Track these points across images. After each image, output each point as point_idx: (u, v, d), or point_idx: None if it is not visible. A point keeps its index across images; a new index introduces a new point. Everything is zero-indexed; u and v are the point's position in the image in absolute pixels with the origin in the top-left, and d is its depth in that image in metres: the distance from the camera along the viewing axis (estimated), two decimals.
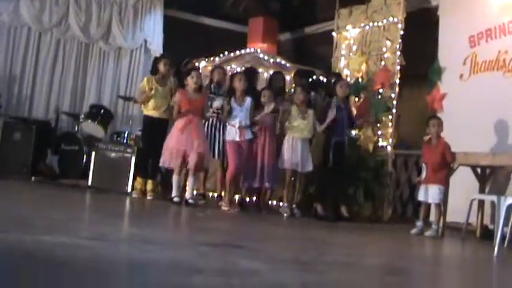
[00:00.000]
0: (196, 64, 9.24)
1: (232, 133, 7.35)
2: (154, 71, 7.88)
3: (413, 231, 6.68)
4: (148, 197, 7.54)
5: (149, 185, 7.67)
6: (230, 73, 8.71)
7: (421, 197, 6.83)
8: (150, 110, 7.68)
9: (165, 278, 2.70)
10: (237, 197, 7.72)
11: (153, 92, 7.59)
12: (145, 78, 7.92)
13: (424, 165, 6.98)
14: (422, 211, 6.85)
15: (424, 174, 6.84)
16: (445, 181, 6.68)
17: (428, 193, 6.71)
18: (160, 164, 7.25)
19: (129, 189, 7.79)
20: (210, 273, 2.93)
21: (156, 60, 8.02)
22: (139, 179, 7.70)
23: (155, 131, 7.62)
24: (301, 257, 4.07)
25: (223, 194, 7.76)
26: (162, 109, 7.65)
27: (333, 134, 7.56)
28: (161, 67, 7.77)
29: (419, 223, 6.74)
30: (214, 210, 7.13)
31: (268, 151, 7.45)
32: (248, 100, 7.43)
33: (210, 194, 8.40)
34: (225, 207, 7.24)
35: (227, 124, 7.42)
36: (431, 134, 6.85)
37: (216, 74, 7.93)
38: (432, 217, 6.87)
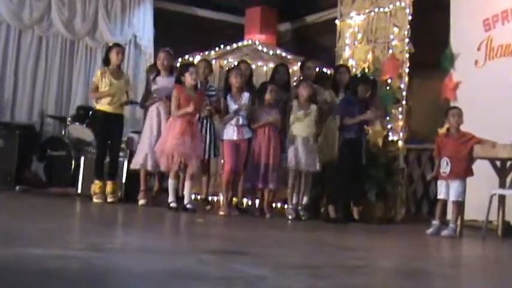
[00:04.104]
0: (191, 59, 9.24)
1: (230, 132, 7.35)
2: (106, 61, 7.74)
3: (429, 231, 6.67)
4: (109, 200, 7.49)
5: (109, 186, 7.59)
6: (227, 68, 8.73)
7: (441, 194, 6.77)
8: (104, 104, 7.62)
9: None
10: (234, 200, 7.75)
11: (107, 87, 7.54)
12: (98, 71, 7.88)
13: (437, 159, 6.93)
14: (438, 209, 6.84)
15: (443, 169, 6.73)
16: (468, 174, 6.65)
17: (450, 190, 6.67)
18: (162, 168, 7.29)
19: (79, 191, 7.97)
20: (213, 281, 2.94)
21: (108, 49, 7.87)
22: (97, 182, 7.58)
23: (111, 127, 7.66)
24: (309, 261, 4.08)
25: (210, 198, 7.99)
26: (117, 104, 7.63)
27: (343, 131, 7.57)
28: (113, 57, 7.67)
29: (435, 222, 6.73)
30: (215, 216, 7.13)
31: (272, 151, 7.44)
32: (246, 96, 7.42)
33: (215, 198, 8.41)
34: (222, 212, 7.23)
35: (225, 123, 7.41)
36: (451, 125, 6.79)
37: (200, 69, 7.92)
38: (449, 215, 6.85)
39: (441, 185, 6.79)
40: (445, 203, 6.82)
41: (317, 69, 8.75)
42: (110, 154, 7.71)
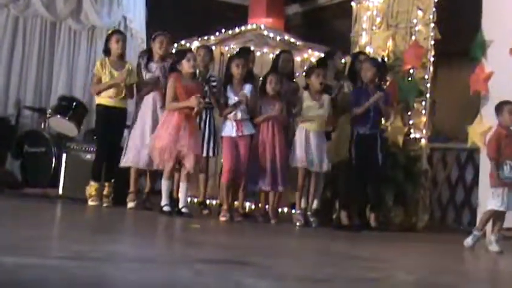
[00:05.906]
0: (188, 45, 9.25)
1: (229, 127, 7.36)
2: (107, 51, 7.76)
3: (469, 242, 6.43)
4: (105, 204, 7.49)
5: (106, 189, 7.60)
6: (228, 55, 8.73)
7: (499, 205, 6.32)
8: (104, 97, 7.63)
9: None
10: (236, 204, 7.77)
11: (107, 78, 7.56)
12: (97, 62, 7.88)
13: (494, 162, 6.60)
14: (484, 219, 6.51)
15: (505, 175, 6.45)
16: None
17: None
18: (155, 167, 7.31)
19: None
20: None
21: (107, 38, 7.90)
22: (93, 184, 7.56)
23: (112, 124, 7.67)
24: (318, 273, 4.08)
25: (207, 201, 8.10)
26: (119, 97, 7.64)
27: (356, 126, 7.56)
28: (113, 45, 7.69)
29: (477, 233, 6.43)
30: (214, 221, 7.13)
31: (277, 148, 7.44)
32: (247, 88, 7.41)
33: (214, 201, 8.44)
34: (223, 218, 7.23)
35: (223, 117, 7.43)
36: (506, 123, 6.58)
37: (199, 56, 7.92)
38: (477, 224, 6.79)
39: (502, 193, 6.36)
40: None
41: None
42: (110, 154, 7.68)
